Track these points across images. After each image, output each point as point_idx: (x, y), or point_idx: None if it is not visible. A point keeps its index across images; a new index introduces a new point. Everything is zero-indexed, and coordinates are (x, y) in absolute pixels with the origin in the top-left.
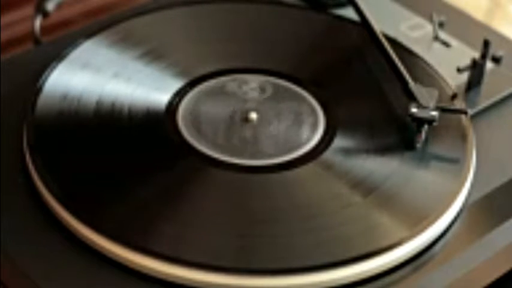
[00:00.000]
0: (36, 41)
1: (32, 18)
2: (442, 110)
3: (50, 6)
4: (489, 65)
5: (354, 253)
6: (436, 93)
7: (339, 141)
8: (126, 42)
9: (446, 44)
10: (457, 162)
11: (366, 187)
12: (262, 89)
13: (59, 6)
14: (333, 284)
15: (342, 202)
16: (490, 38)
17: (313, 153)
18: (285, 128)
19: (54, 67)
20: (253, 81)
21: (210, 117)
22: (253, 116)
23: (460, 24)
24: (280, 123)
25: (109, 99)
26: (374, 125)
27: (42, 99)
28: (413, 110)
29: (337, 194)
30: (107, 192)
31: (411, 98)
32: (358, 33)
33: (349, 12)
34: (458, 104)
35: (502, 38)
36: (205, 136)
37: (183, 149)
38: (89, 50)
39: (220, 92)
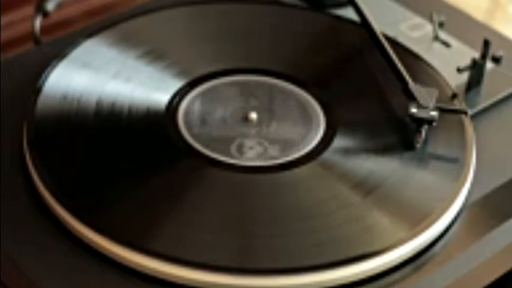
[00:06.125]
0: (36, 41)
1: (32, 18)
2: (442, 110)
3: (50, 6)
4: (489, 65)
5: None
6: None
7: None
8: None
9: (446, 44)
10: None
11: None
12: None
13: (59, 6)
14: (333, 284)
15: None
16: (490, 38)
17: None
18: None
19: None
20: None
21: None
22: (253, 116)
23: (460, 24)
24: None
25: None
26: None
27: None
28: (413, 110)
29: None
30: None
31: (411, 98)
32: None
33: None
34: (458, 104)
35: (502, 38)
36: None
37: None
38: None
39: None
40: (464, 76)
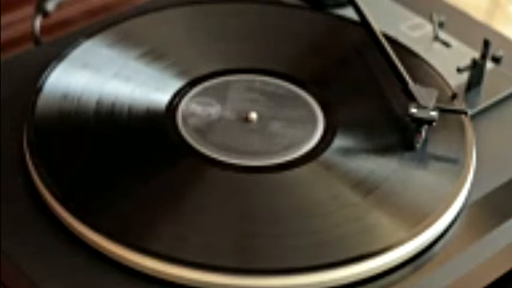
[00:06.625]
0: (36, 41)
1: (32, 18)
2: (442, 110)
3: (50, 6)
4: (489, 65)
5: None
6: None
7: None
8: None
9: (446, 44)
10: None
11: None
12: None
13: (59, 6)
14: (333, 284)
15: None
16: (490, 38)
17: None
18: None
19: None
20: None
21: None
22: (253, 116)
23: (460, 24)
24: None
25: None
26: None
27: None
28: (413, 110)
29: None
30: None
31: (411, 98)
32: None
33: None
34: (458, 104)
35: (502, 38)
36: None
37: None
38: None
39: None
40: (464, 76)
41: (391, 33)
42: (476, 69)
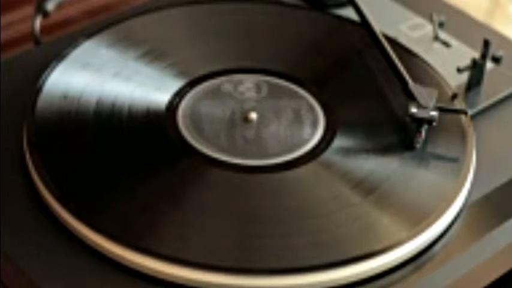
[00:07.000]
0: (36, 41)
1: (32, 18)
2: (442, 110)
3: (50, 6)
4: (489, 65)
5: (354, 253)
6: (435, 93)
7: (339, 141)
8: (126, 42)
9: (446, 44)
10: (457, 162)
11: (366, 187)
12: (262, 89)
13: (59, 6)
14: (333, 284)
15: (342, 202)
16: (490, 38)
17: (313, 153)
18: (285, 128)
19: (54, 67)
20: (253, 81)
21: (210, 117)
22: (253, 116)
23: (460, 24)
24: (280, 123)
25: (109, 99)
26: (374, 125)
27: (42, 99)
28: (413, 110)
29: (337, 194)
30: (106, 192)
31: (411, 98)
32: (358, 33)
33: (349, 12)
34: (458, 104)
35: (502, 38)
36: (205, 136)
37: (183, 149)
38: (89, 50)
39: (220, 92)
40: (464, 76)
41: (391, 33)
42: (476, 69)
